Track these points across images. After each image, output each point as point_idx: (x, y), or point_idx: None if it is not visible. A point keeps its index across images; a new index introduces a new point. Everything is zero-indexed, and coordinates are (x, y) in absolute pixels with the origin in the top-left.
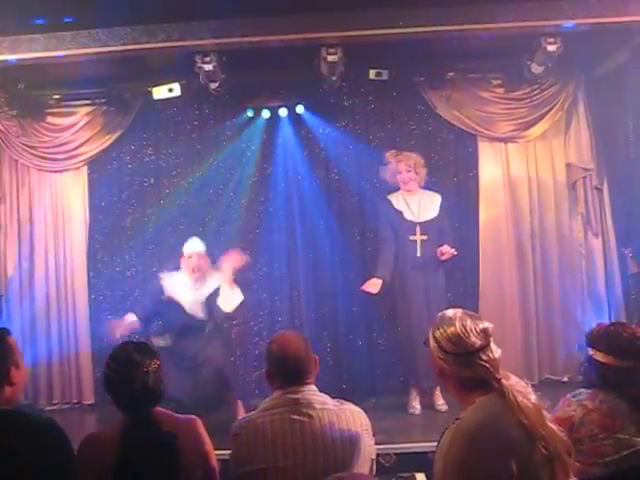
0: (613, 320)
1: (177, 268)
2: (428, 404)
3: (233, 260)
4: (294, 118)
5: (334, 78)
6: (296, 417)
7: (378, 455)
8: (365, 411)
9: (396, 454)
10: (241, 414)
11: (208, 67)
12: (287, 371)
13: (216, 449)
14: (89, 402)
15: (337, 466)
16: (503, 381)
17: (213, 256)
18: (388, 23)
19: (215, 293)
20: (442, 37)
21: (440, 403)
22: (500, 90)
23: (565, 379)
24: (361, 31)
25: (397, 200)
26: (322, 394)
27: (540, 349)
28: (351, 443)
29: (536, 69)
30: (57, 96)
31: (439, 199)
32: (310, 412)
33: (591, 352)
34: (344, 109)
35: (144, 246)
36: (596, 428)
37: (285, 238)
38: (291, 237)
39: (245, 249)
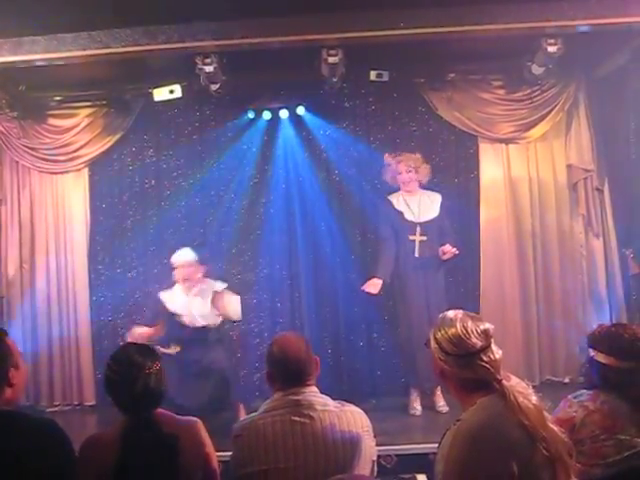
0: (614, 321)
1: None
2: (429, 405)
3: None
4: (295, 119)
5: (335, 79)
6: (297, 419)
7: (379, 456)
8: (366, 412)
9: (397, 455)
10: (242, 416)
11: (209, 69)
12: (288, 373)
13: (217, 451)
14: (90, 403)
15: (338, 467)
16: (504, 382)
17: (207, 264)
18: (389, 24)
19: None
20: (443, 38)
21: (441, 404)
22: (501, 91)
23: (566, 380)
24: (362, 32)
25: (397, 201)
26: (323, 395)
27: (541, 350)
28: (352, 444)
29: (537, 70)
30: (58, 98)
31: (439, 199)
32: (311, 413)
33: (592, 353)
34: (345, 110)
35: (145, 248)
36: (597, 429)
37: (286, 239)
38: (292, 238)
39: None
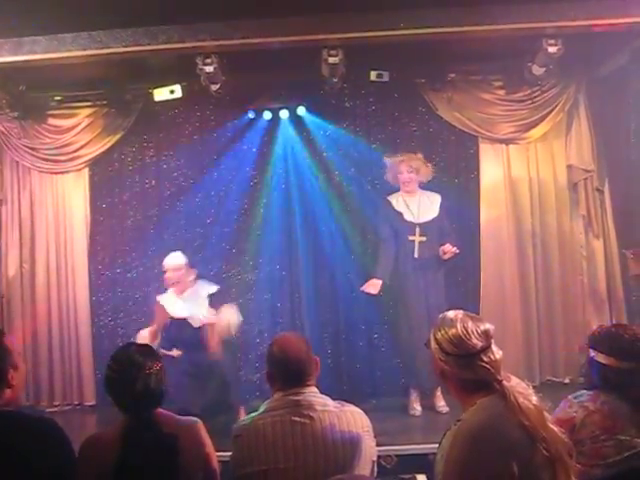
0: (614, 322)
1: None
2: (429, 405)
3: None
4: (295, 120)
5: (335, 80)
6: (297, 419)
7: (379, 457)
8: (366, 412)
9: (397, 456)
10: (242, 416)
11: (209, 69)
12: (288, 373)
13: (217, 451)
14: (90, 403)
15: (338, 468)
16: (504, 382)
17: (196, 267)
18: (389, 25)
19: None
20: (443, 39)
21: (441, 405)
22: (501, 92)
23: (566, 381)
24: (362, 33)
25: (397, 201)
26: (323, 396)
27: (541, 351)
28: (352, 445)
29: (537, 71)
30: (58, 98)
31: (439, 199)
32: (311, 414)
33: (592, 354)
34: (345, 111)
35: (145, 248)
36: (597, 430)
37: (286, 240)
38: (292, 238)
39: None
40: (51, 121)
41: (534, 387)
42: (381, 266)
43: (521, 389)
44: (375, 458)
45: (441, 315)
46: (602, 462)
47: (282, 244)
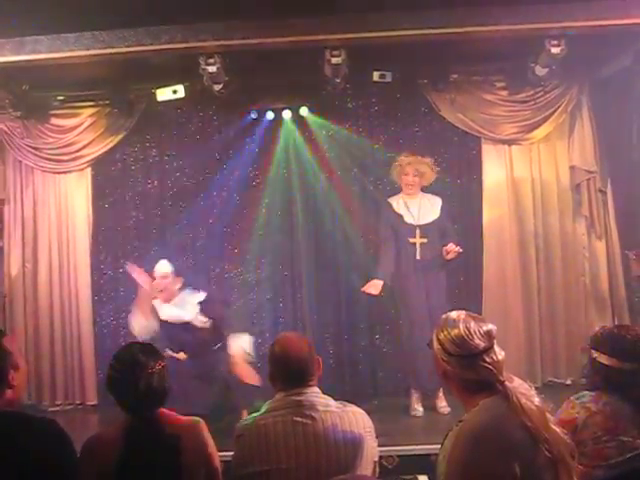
0: (616, 323)
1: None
2: (430, 406)
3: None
4: (298, 120)
5: (338, 80)
6: (299, 419)
7: (381, 457)
8: (367, 413)
9: (399, 456)
10: (244, 416)
11: (212, 69)
12: (290, 373)
13: (219, 450)
14: (92, 403)
15: (340, 468)
16: (507, 383)
17: (183, 275)
18: (392, 25)
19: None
20: (446, 39)
21: (442, 405)
22: (504, 92)
23: (568, 382)
24: (365, 33)
25: (397, 203)
26: (325, 396)
27: (543, 352)
28: (354, 445)
29: (540, 71)
30: (61, 97)
31: (439, 202)
32: (313, 414)
33: (595, 354)
34: (347, 111)
35: (147, 247)
36: (599, 431)
37: (288, 240)
38: (294, 239)
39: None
40: (54, 121)
41: (536, 388)
42: (382, 267)
43: (523, 390)
44: (377, 458)
45: (444, 315)
46: (604, 463)
47: (284, 244)
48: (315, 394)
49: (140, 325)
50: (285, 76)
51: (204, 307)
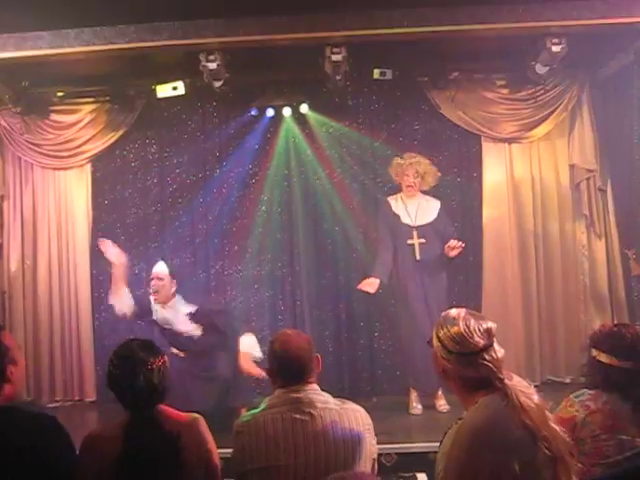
0: (616, 321)
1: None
2: (429, 404)
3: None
4: (298, 117)
5: (338, 77)
6: (298, 416)
7: (379, 455)
8: (366, 411)
9: (397, 454)
10: (243, 413)
11: (212, 65)
12: (289, 370)
13: (218, 447)
14: (91, 399)
15: (338, 465)
16: (506, 381)
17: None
18: (392, 23)
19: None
20: (446, 37)
21: (441, 403)
22: (504, 91)
23: (567, 380)
24: (365, 30)
25: (396, 203)
26: (324, 393)
27: (542, 350)
28: (353, 442)
29: (540, 70)
30: (61, 93)
31: (438, 205)
32: (312, 411)
33: (594, 353)
34: (348, 108)
35: (147, 244)
36: (598, 429)
37: (288, 237)
38: (294, 236)
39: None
40: (54, 117)
41: (535, 386)
42: (378, 265)
43: (523, 388)
44: (376, 456)
45: (444, 313)
46: (603, 461)
47: (284, 241)
48: (314, 391)
49: (119, 302)
50: (286, 73)
51: (196, 318)
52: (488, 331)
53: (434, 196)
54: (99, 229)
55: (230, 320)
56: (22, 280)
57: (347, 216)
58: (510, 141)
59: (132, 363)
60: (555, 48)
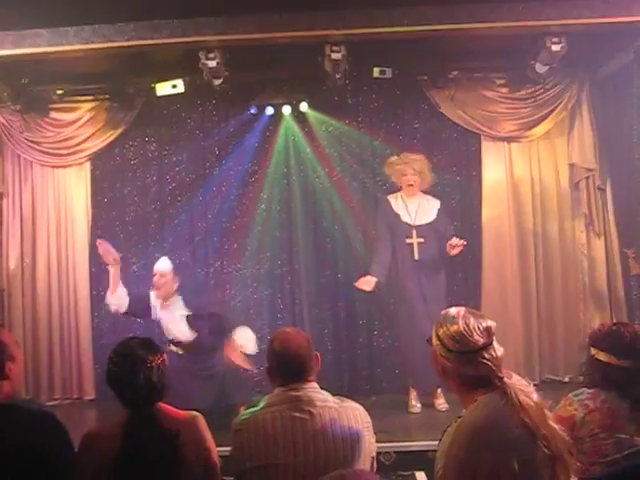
0: (615, 321)
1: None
2: (428, 403)
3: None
4: (297, 115)
5: (338, 76)
6: (297, 414)
7: (378, 453)
8: (366, 409)
9: (396, 452)
10: (242, 411)
11: (212, 63)
12: (288, 368)
13: (217, 445)
14: (90, 397)
15: (337, 463)
16: (505, 380)
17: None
18: (392, 21)
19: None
20: (446, 36)
21: (440, 402)
22: (504, 89)
23: (566, 379)
24: (365, 29)
25: (396, 201)
26: (323, 391)
27: (541, 349)
28: (352, 441)
29: (540, 69)
30: (60, 91)
31: (437, 204)
32: (311, 409)
33: (593, 352)
34: (347, 107)
35: (146, 242)
36: (597, 428)
37: (287, 235)
38: (293, 234)
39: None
40: (53, 114)
41: (534, 385)
42: (375, 265)
43: (522, 386)
44: (375, 454)
45: (443, 312)
46: (601, 460)
47: (283, 240)
48: (314, 390)
49: (116, 301)
50: (285, 71)
51: (191, 321)
52: (488, 329)
53: (434, 195)
54: (98, 227)
55: (224, 324)
56: (21, 278)
57: (346, 215)
58: (509, 140)
59: (132, 361)
60: (555, 47)
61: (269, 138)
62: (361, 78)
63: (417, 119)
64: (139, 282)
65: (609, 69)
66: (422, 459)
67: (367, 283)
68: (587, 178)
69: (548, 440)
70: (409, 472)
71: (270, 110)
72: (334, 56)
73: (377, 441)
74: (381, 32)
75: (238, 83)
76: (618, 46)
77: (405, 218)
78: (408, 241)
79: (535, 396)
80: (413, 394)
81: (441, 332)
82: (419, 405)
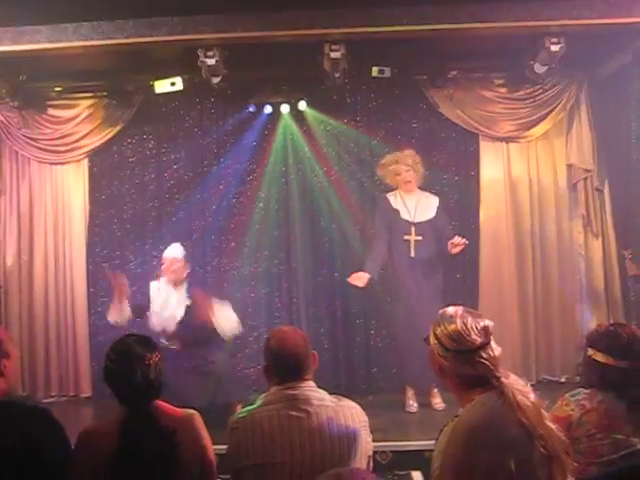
0: (612, 321)
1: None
2: (425, 402)
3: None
4: (296, 114)
5: (337, 75)
6: (294, 413)
7: (375, 452)
8: (362, 408)
9: (392, 452)
10: (239, 409)
11: (211, 61)
12: (285, 367)
13: (213, 443)
14: (86, 395)
15: (334, 462)
16: (502, 379)
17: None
18: (391, 20)
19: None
20: (446, 36)
21: (437, 401)
22: (503, 90)
23: (562, 380)
24: (364, 28)
25: (395, 198)
26: (320, 390)
27: (538, 349)
28: (349, 439)
29: (539, 69)
30: (59, 88)
31: (437, 201)
32: (308, 408)
33: (590, 352)
34: (346, 106)
35: (144, 240)
36: (593, 428)
37: (284, 234)
38: (291, 233)
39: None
40: (51, 111)
41: (531, 385)
42: (369, 262)
43: (519, 386)
44: (371, 453)
45: (441, 311)
46: (598, 460)
47: (280, 239)
48: (310, 388)
49: (119, 316)
50: (284, 70)
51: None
52: (485, 329)
53: (432, 193)
54: (96, 224)
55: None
56: (18, 275)
57: (344, 214)
58: (508, 140)
59: (129, 358)
60: (554, 47)
61: (267, 137)
62: (360, 77)
63: (416, 118)
64: (137, 280)
65: (608, 70)
66: (418, 458)
67: (360, 279)
68: (585, 179)
69: (545, 440)
70: (405, 471)
71: (269, 109)
72: (333, 55)
73: (373, 440)
74: (380, 31)
75: (237, 81)
76: (617, 47)
77: (404, 214)
78: (405, 238)
79: (532, 396)
80: (410, 393)
81: (439, 331)
82: (416, 404)
